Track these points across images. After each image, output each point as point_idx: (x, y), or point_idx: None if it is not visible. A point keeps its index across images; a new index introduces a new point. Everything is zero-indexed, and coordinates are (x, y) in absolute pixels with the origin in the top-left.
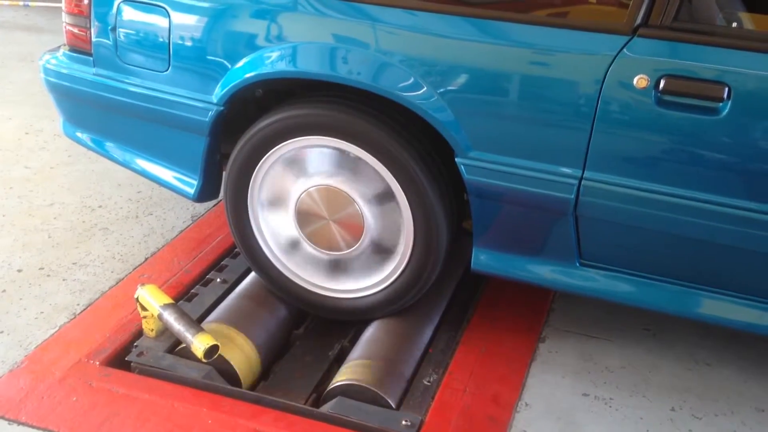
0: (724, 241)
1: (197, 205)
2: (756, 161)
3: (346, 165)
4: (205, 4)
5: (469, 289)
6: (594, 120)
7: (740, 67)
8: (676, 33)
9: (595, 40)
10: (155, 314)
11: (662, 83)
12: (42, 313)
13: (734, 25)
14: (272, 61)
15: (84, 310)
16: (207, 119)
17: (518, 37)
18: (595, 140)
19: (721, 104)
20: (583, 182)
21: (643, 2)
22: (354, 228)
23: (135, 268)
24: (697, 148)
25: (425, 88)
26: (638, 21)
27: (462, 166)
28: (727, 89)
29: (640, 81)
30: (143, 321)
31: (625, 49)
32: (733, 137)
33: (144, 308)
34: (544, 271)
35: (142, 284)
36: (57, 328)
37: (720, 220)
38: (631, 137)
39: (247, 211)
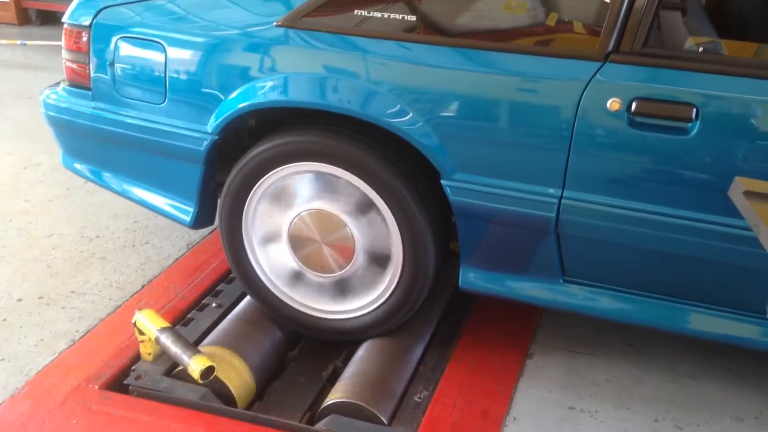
0: (700, 256)
1: (192, 233)
2: (726, 177)
3: (336, 189)
4: (200, 39)
5: (459, 308)
6: (571, 142)
7: (706, 89)
8: (646, 58)
9: (570, 67)
10: (152, 338)
11: (634, 105)
12: (42, 340)
13: (700, 49)
14: (264, 92)
15: (83, 336)
16: (202, 148)
17: (498, 64)
18: (573, 161)
19: (689, 124)
20: (562, 201)
21: (614, 30)
22: (345, 250)
23: (132, 296)
24: (669, 167)
25: (411, 115)
26: (610, 48)
27: (447, 188)
28: (695, 110)
29: (613, 104)
30: (141, 345)
31: (598, 75)
32: (703, 155)
33: (141, 332)
34: (529, 288)
35: (140, 309)
36: (57, 355)
37: (695, 235)
38: (606, 157)
39: (242, 236)
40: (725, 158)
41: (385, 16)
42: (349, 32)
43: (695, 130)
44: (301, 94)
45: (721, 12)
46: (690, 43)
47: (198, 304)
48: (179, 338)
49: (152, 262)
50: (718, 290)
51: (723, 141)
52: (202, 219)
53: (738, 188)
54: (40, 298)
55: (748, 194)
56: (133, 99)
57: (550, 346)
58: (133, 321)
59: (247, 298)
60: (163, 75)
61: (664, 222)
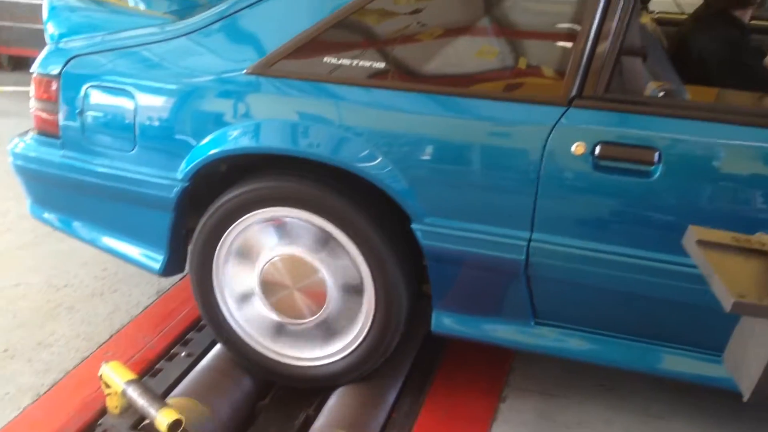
0: (668, 297)
1: (163, 280)
2: (690, 219)
3: (307, 234)
4: (169, 86)
5: (432, 351)
6: (538, 185)
7: (668, 132)
8: (608, 103)
9: (536, 112)
10: (119, 391)
11: (598, 149)
12: (7, 394)
13: (660, 94)
14: (236, 138)
15: (48, 390)
16: (172, 195)
17: (466, 110)
18: (540, 203)
19: (652, 167)
20: (531, 243)
21: (577, 75)
22: (318, 295)
23: (99, 346)
24: (634, 209)
25: (380, 159)
26: (573, 93)
27: (418, 232)
28: (657, 153)
29: (577, 148)
30: (107, 398)
31: (562, 119)
32: (666, 197)
33: (108, 385)
34: (501, 331)
35: (106, 361)
36: (21, 410)
37: (662, 276)
38: (572, 200)
39: (212, 283)
40: (688, 200)
41: (354, 63)
42: (318, 78)
43: (658, 173)
44: (272, 141)
45: (681, 57)
46: (651, 87)
47: (167, 354)
48: (146, 391)
49: (121, 311)
50: (687, 331)
51: (686, 183)
52: (172, 267)
53: (691, 237)
54: (5, 350)
55: (701, 243)
56: (102, 147)
57: (524, 388)
58: (99, 373)
59: (218, 346)
60: (132, 122)
61: (631, 263)
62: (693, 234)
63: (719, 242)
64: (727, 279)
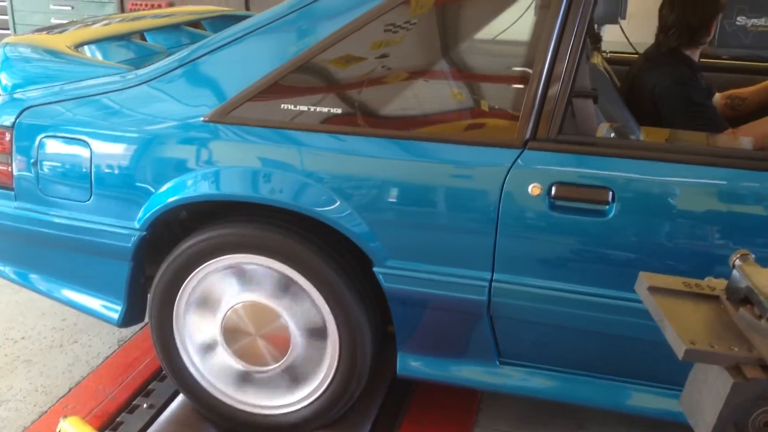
0: (630, 334)
1: (124, 329)
2: (645, 257)
3: (269, 281)
4: (127, 134)
5: (399, 394)
6: (497, 226)
7: (621, 172)
8: (561, 144)
9: (492, 154)
10: None
11: (554, 190)
12: None
13: (612, 135)
14: (195, 185)
15: None
16: (130, 245)
17: (425, 153)
18: (500, 244)
19: (607, 207)
20: (493, 284)
21: (530, 118)
22: (281, 341)
23: (58, 400)
24: (592, 248)
25: (339, 203)
26: (527, 135)
27: (380, 275)
28: (611, 193)
29: (533, 189)
30: None
31: (519, 161)
32: (622, 236)
33: None
34: (467, 372)
35: (65, 416)
36: None
37: (622, 314)
38: (530, 240)
39: (173, 332)
40: (644, 238)
41: (311, 108)
42: (275, 125)
43: (613, 212)
44: (232, 187)
45: (633, 96)
46: (604, 128)
47: (128, 406)
48: None
49: (81, 362)
50: (651, 367)
51: (640, 222)
52: (131, 316)
53: (642, 284)
54: None
55: (652, 289)
56: (57, 197)
57: (493, 428)
58: (57, 429)
59: (180, 397)
60: (88, 171)
61: (591, 302)
62: (644, 280)
63: (670, 288)
64: (678, 325)
